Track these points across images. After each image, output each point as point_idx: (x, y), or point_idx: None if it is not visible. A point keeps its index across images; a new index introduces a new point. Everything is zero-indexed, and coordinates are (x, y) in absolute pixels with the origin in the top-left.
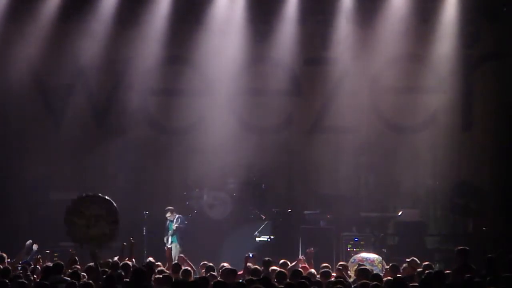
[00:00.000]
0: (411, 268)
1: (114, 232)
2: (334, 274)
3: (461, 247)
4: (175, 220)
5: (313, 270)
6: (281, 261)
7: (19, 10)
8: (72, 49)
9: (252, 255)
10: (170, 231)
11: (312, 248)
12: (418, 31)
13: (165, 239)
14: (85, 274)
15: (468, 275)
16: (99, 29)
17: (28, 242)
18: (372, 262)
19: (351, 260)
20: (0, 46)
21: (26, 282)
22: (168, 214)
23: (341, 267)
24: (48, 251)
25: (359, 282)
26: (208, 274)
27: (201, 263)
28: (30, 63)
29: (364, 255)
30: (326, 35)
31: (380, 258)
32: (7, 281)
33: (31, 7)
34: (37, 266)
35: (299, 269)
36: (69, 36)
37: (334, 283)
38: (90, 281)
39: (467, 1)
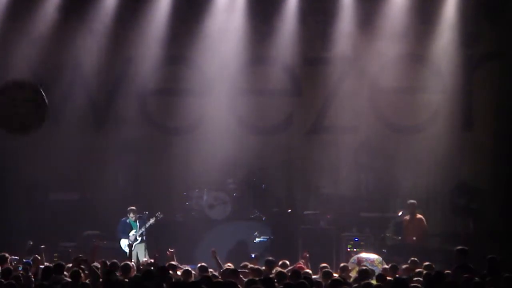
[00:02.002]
0: (411, 268)
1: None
2: (335, 275)
3: (461, 247)
4: (138, 222)
5: (309, 271)
6: (280, 262)
7: (19, 9)
8: (72, 49)
9: (254, 255)
10: (136, 231)
11: (306, 254)
12: (418, 31)
13: (125, 240)
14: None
15: (468, 275)
16: (99, 29)
17: (28, 243)
18: (372, 262)
19: (351, 260)
20: (0, 45)
21: (14, 282)
22: (131, 215)
23: (343, 268)
24: (42, 246)
25: (362, 283)
26: (211, 274)
27: (198, 265)
28: (30, 63)
29: (364, 255)
30: (326, 35)
31: (380, 258)
32: (4, 281)
33: (31, 7)
34: (40, 266)
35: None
36: (69, 35)
37: (336, 283)
38: (87, 282)
39: (467, 1)
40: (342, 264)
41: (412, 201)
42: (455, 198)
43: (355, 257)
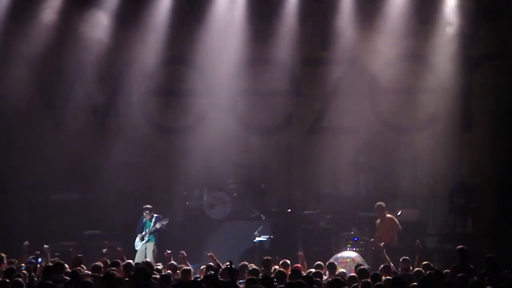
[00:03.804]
0: (403, 268)
1: None
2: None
3: (460, 247)
4: (153, 220)
5: (312, 270)
6: (281, 261)
7: (20, 10)
8: (73, 49)
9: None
10: (147, 230)
11: (301, 253)
12: (418, 31)
13: (138, 238)
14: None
15: (466, 274)
16: (99, 29)
17: (24, 244)
18: (344, 262)
19: (331, 260)
20: (1, 45)
21: (21, 281)
22: (145, 213)
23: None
24: (46, 246)
25: (361, 281)
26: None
27: (201, 267)
28: (31, 63)
29: (345, 254)
30: (326, 35)
31: (358, 259)
32: (7, 280)
33: (32, 7)
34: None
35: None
36: (69, 36)
37: (336, 283)
38: (89, 281)
39: (467, 1)
40: (328, 262)
41: (378, 203)
42: (455, 197)
43: (335, 256)
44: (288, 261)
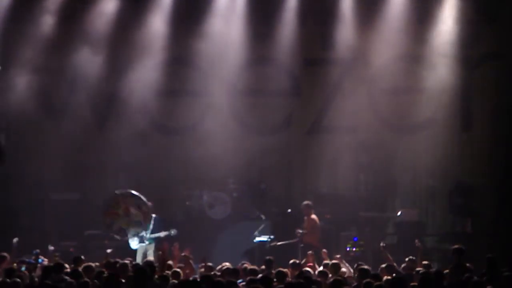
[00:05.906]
0: (409, 267)
1: None
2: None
3: (455, 246)
4: (152, 222)
5: (310, 270)
6: (291, 261)
7: (21, 11)
8: (73, 49)
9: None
10: (145, 232)
11: (325, 250)
12: (418, 31)
13: (134, 236)
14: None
15: (465, 275)
16: (100, 30)
17: (14, 242)
18: None
19: None
20: (1, 46)
21: (19, 281)
22: None
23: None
24: (52, 248)
25: (363, 281)
26: (212, 273)
27: (200, 265)
28: (31, 64)
29: None
30: (326, 35)
31: None
32: (8, 280)
33: (32, 7)
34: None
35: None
36: (70, 36)
37: (336, 283)
38: (88, 280)
39: (466, 1)
40: (332, 262)
41: (305, 202)
42: (454, 197)
43: None
44: (298, 261)
